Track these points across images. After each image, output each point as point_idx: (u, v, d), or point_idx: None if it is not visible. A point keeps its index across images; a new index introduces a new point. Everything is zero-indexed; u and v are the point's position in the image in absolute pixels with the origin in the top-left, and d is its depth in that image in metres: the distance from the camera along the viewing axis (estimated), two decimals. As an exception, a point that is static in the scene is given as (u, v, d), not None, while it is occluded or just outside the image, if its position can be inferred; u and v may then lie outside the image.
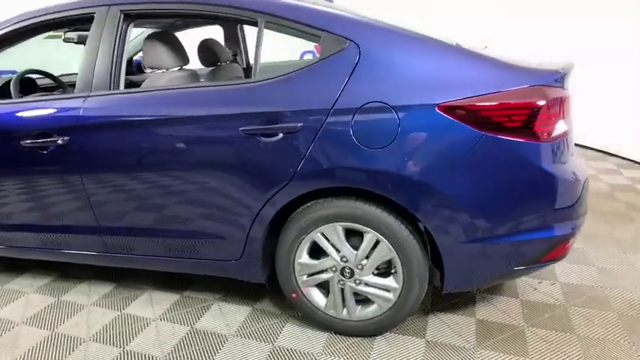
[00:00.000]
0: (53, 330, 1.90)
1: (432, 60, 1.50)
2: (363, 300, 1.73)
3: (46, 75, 2.61)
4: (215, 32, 2.89)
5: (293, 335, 1.80)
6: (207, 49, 2.38)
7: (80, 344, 1.80)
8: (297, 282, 1.74)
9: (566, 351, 1.64)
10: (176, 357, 1.70)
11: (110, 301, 2.09)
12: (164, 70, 1.98)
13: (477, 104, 1.39)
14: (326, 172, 1.53)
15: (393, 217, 1.55)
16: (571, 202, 1.51)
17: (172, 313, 1.98)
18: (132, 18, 1.80)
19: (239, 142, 1.59)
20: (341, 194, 1.60)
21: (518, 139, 1.40)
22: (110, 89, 1.76)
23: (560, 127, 1.47)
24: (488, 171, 1.44)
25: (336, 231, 1.63)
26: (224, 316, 1.94)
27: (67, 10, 1.85)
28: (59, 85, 2.63)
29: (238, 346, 1.75)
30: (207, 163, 1.66)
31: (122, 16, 1.78)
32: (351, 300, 1.71)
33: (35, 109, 1.86)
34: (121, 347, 1.77)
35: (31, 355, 1.75)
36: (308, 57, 5.89)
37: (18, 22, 1.91)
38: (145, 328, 1.88)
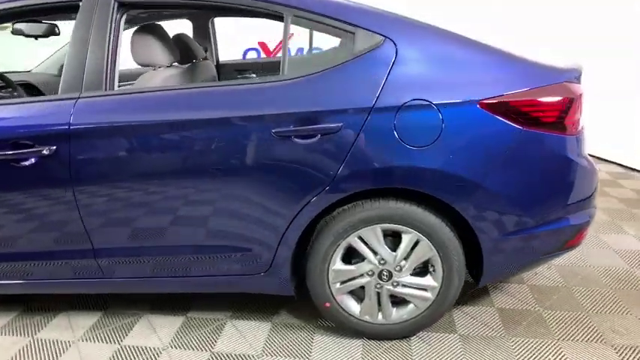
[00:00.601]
0: (39, 377, 1.60)
1: (466, 57, 1.50)
2: (397, 302, 1.70)
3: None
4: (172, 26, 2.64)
5: (326, 347, 1.71)
6: (183, 45, 2.17)
7: (80, 389, 1.53)
8: (330, 290, 1.66)
9: (584, 329, 1.77)
10: None
11: (101, 333, 1.82)
12: (155, 68, 1.77)
13: (517, 100, 1.43)
14: (369, 173, 1.46)
15: (434, 216, 1.54)
16: (590, 192, 1.62)
17: (183, 338, 1.77)
18: (127, 7, 1.57)
19: (271, 145, 1.46)
20: (380, 195, 1.55)
21: (552, 134, 1.47)
22: (105, 89, 1.52)
23: (581, 121, 1.57)
24: (527, 165, 1.48)
25: (375, 233, 1.57)
26: (243, 336, 1.78)
27: None
28: (7, 85, 2.23)
29: (271, 366, 1.62)
30: (233, 170, 1.50)
31: (116, 4, 1.54)
32: (387, 303, 1.67)
33: (4, 115, 1.54)
34: (134, 385, 1.54)
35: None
36: (252, 54, 5.71)
37: None
38: (156, 359, 1.66)
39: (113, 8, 1.54)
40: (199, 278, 1.68)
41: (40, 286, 1.75)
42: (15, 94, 2.31)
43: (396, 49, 1.46)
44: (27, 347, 1.74)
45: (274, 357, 1.66)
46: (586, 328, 1.77)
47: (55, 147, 1.48)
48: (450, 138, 1.43)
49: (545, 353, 1.64)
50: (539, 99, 1.44)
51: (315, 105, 1.45)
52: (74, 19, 1.56)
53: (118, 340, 1.77)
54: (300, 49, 5.13)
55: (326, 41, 3.02)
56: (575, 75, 1.54)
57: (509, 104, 1.43)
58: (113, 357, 1.68)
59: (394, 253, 1.60)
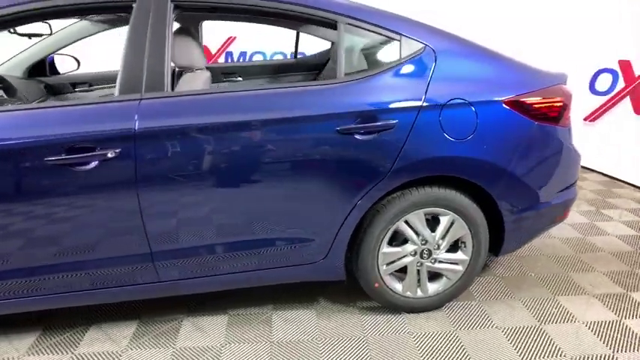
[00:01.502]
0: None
1: (488, 62, 1.79)
2: (432, 277, 1.93)
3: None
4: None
5: (412, 319, 1.92)
6: None
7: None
8: (379, 271, 1.83)
9: (571, 285, 2.17)
10: None
11: (147, 340, 1.77)
12: (194, 70, 1.79)
13: (531, 99, 1.75)
14: (420, 163, 1.67)
15: (468, 199, 1.79)
16: (577, 173, 2.01)
17: (242, 334, 1.81)
18: (181, 9, 1.59)
19: (334, 141, 1.60)
20: (425, 183, 1.76)
21: (555, 126, 1.81)
22: (168, 90, 1.53)
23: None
24: (538, 152, 1.80)
25: (419, 217, 1.78)
26: (300, 323, 1.87)
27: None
28: (6, 88, 2.02)
29: (376, 344, 1.74)
30: (300, 166, 1.60)
31: (172, 5, 1.55)
32: (425, 279, 1.89)
33: (58, 118, 1.46)
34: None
35: None
36: None
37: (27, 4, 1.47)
38: (219, 357, 1.69)
39: (169, 9, 1.55)
40: (263, 271, 1.74)
41: (87, 298, 1.66)
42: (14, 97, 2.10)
43: (435, 55, 1.69)
44: (71, 363, 1.65)
45: (238, 344, 1.78)
46: (571, 285, 2.17)
47: (119, 149, 1.45)
48: (483, 131, 1.70)
49: (546, 306, 2.00)
50: (546, 98, 1.77)
51: (373, 104, 1.61)
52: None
53: (171, 344, 1.75)
54: (241, 53, 5.09)
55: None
56: (565, 79, 1.91)
57: (526, 102, 1.74)
58: None
59: (433, 234, 1.82)
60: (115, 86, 1.52)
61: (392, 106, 1.63)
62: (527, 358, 1.69)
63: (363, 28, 1.68)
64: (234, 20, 2.56)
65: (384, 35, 1.70)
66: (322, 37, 2.84)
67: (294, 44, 3.02)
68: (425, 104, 1.64)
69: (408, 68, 1.68)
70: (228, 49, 5.09)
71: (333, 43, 2.87)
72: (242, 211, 1.61)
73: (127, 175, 1.48)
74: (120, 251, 1.59)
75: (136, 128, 1.46)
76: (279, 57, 4.73)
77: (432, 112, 1.65)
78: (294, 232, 1.69)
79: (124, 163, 1.47)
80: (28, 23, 1.56)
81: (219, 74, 3.01)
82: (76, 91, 2.76)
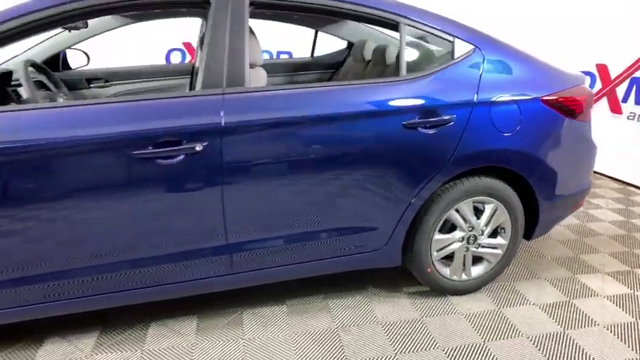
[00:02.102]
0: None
1: (525, 64, 1.96)
2: (474, 261, 2.09)
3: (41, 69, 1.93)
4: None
5: (459, 301, 2.06)
6: None
7: None
8: (431, 257, 1.96)
9: (585, 265, 2.41)
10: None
11: (215, 334, 1.79)
12: (256, 67, 1.84)
13: (562, 97, 1.94)
14: (475, 155, 1.82)
15: (510, 188, 1.97)
16: (594, 162, 2.25)
17: (303, 323, 1.87)
18: (256, 6, 1.63)
19: (400, 135, 1.71)
20: (474, 173, 1.91)
21: (580, 121, 2.03)
22: (247, 85, 1.57)
23: (589, 112, 2.18)
24: (568, 145, 2.01)
25: (468, 206, 1.93)
26: (357, 309, 1.96)
27: None
28: (51, 81, 1.95)
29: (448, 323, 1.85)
30: (368, 159, 1.69)
31: (248, 1, 1.59)
32: (470, 263, 2.05)
33: (144, 113, 1.46)
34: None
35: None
36: (176, 55, 5.48)
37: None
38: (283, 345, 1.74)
39: (246, 5, 1.59)
40: (326, 261, 1.82)
41: (163, 293, 1.67)
42: (56, 90, 2.02)
43: (483, 56, 1.85)
44: None
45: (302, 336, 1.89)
46: (584, 265, 2.42)
47: (206, 143, 1.48)
48: (526, 125, 1.87)
49: (570, 284, 2.22)
50: (574, 96, 1.98)
51: (435, 100, 1.74)
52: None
53: (239, 337, 1.78)
54: (170, 50, 5.01)
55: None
56: (584, 79, 2.13)
57: (559, 100, 1.93)
58: (246, 352, 1.70)
59: (479, 220, 1.98)
60: (128, 82, 1.51)
61: (450, 101, 1.76)
62: (566, 328, 1.89)
63: (421, 30, 1.80)
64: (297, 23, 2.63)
65: (439, 37, 1.83)
66: (342, 37, 2.95)
67: (311, 43, 3.11)
68: (477, 100, 1.79)
69: (461, 67, 1.82)
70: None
71: (350, 43, 2.99)
72: (315, 202, 1.68)
73: (212, 168, 1.51)
74: (199, 244, 1.61)
75: (223, 123, 1.50)
76: (285, 56, 4.75)
77: (483, 108, 1.80)
78: (361, 222, 1.79)
79: (210, 156, 1.50)
80: (105, 15, 1.55)
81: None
82: (91, 87, 2.68)
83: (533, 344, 1.79)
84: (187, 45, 5.36)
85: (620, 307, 2.05)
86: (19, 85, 1.91)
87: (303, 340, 1.77)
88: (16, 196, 1.37)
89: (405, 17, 1.77)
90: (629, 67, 3.75)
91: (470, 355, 1.72)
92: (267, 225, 1.67)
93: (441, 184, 1.84)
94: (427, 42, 1.98)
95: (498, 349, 1.76)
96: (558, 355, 1.74)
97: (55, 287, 1.51)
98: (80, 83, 2.64)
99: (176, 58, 5.46)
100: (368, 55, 2.53)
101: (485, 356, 1.72)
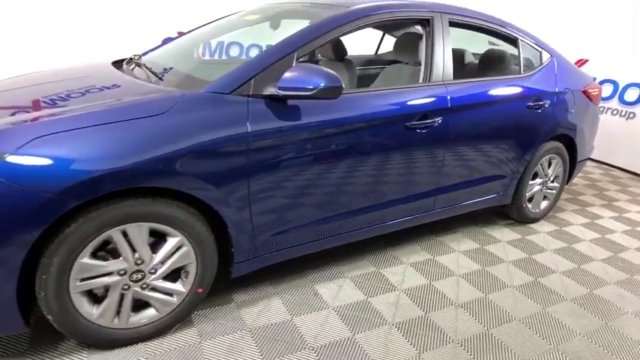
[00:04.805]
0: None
1: (571, 66, 3.02)
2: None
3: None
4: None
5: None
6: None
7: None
8: (526, 197, 2.90)
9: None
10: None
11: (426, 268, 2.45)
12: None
13: (591, 89, 3.05)
14: (558, 126, 2.81)
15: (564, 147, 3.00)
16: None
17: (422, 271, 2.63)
18: (450, 24, 2.34)
19: (525, 113, 2.61)
20: (551, 139, 2.89)
21: (595, 105, 3.17)
22: (454, 79, 2.29)
23: (592, 99, 3.34)
24: (591, 120, 3.14)
25: (546, 160, 2.92)
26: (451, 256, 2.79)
27: (408, 11, 2.20)
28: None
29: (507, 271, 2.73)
30: (507, 129, 2.55)
31: (447, 22, 2.30)
32: (541, 200, 3.05)
33: (413, 95, 2.12)
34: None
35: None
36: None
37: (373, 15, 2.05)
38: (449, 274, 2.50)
39: (447, 23, 2.30)
40: (479, 200, 2.63)
41: (390, 226, 2.30)
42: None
43: (556, 62, 2.84)
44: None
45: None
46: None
47: (440, 118, 2.18)
48: (577, 108, 2.93)
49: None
50: (594, 88, 3.10)
51: (541, 90, 2.68)
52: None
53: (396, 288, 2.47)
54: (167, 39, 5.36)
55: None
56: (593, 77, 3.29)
57: (588, 90, 3.04)
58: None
59: (549, 170, 2.99)
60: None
61: (547, 91, 2.72)
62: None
63: (527, 44, 2.72)
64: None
65: (534, 48, 2.76)
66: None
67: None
68: (557, 91, 2.78)
69: (547, 69, 2.79)
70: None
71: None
72: (479, 158, 2.47)
73: (443, 135, 2.22)
74: (426, 187, 2.30)
75: (449, 105, 2.21)
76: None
77: (560, 95, 2.80)
78: (496, 172, 2.63)
79: (442, 127, 2.20)
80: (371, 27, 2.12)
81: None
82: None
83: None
84: (182, 34, 5.51)
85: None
86: None
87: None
88: (344, 155, 1.91)
89: (521, 34, 2.67)
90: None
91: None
92: (455, 174, 2.41)
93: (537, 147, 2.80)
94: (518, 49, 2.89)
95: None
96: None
97: (354, 221, 2.10)
98: None
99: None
100: (469, 58, 3.27)
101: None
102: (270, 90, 1.67)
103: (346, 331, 1.84)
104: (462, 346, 1.82)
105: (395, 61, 2.64)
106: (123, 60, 2.32)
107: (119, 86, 1.79)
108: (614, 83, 4.74)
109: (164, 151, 1.45)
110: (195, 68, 2.27)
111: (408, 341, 1.83)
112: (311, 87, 1.60)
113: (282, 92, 1.64)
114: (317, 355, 1.70)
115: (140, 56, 2.30)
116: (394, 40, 2.75)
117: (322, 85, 1.60)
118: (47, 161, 1.31)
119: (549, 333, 1.95)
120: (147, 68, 2.00)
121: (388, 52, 3.86)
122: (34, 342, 1.62)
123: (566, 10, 5.03)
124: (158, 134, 1.46)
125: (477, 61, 3.07)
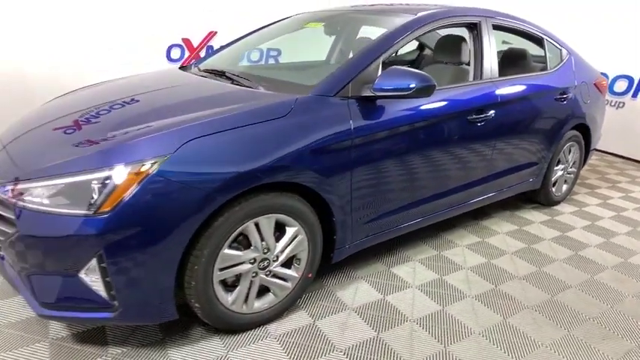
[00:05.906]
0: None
1: (584, 61, 3.34)
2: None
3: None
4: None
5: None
6: None
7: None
8: (552, 181, 3.20)
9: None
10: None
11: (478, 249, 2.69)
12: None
13: (599, 82, 3.38)
14: (577, 115, 3.11)
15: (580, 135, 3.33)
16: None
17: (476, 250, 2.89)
18: (495, 28, 2.60)
19: (553, 105, 2.90)
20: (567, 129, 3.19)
21: (603, 96, 3.51)
22: (498, 77, 2.54)
23: (597, 91, 3.68)
24: (601, 110, 3.48)
25: (567, 148, 3.22)
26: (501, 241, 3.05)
27: (463, 16, 2.44)
28: None
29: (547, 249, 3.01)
30: (539, 119, 2.83)
31: (492, 26, 2.56)
32: (562, 184, 3.36)
33: (472, 92, 2.37)
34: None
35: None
36: (176, 50, 5.61)
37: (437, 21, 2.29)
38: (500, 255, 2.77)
39: (491, 27, 2.55)
40: (515, 186, 2.90)
41: (439, 216, 2.51)
42: None
43: (574, 59, 3.16)
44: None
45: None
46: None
47: (493, 111, 2.42)
48: (591, 99, 3.25)
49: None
50: (602, 81, 3.44)
51: (564, 84, 2.99)
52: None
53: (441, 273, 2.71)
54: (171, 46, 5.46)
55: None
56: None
57: (598, 83, 3.37)
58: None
59: (569, 156, 3.30)
60: None
61: (569, 85, 3.03)
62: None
63: (551, 43, 3.02)
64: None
65: (555, 46, 3.07)
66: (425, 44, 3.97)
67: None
68: (576, 84, 3.09)
69: (567, 65, 3.11)
70: (210, 43, 5.43)
71: (421, 46, 4.03)
72: (514, 147, 2.73)
73: (495, 127, 2.48)
74: (480, 174, 2.54)
75: (499, 100, 2.46)
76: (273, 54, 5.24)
77: (577, 89, 3.11)
78: (531, 159, 2.91)
79: (494, 119, 2.45)
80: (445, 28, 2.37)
81: None
82: None
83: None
84: (186, 41, 5.55)
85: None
86: None
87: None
88: (426, 146, 2.14)
89: (546, 36, 2.97)
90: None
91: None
92: (504, 161, 2.66)
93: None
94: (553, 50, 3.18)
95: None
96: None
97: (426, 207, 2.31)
98: None
99: (176, 54, 5.58)
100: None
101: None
102: (366, 91, 1.86)
103: (370, 331, 1.85)
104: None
105: (434, 61, 2.88)
106: (185, 67, 2.49)
107: (223, 93, 1.94)
108: (604, 75, 5.16)
109: (294, 148, 1.63)
110: (282, 74, 2.54)
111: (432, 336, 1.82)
112: (412, 86, 1.80)
113: (379, 93, 1.84)
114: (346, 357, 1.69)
115: (197, 63, 2.49)
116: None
117: (418, 85, 1.81)
118: (203, 161, 1.46)
119: (602, 296, 2.23)
120: (234, 74, 2.15)
121: (408, 53, 4.12)
122: (165, 331, 1.75)
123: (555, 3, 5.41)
124: (288, 133, 1.64)
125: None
